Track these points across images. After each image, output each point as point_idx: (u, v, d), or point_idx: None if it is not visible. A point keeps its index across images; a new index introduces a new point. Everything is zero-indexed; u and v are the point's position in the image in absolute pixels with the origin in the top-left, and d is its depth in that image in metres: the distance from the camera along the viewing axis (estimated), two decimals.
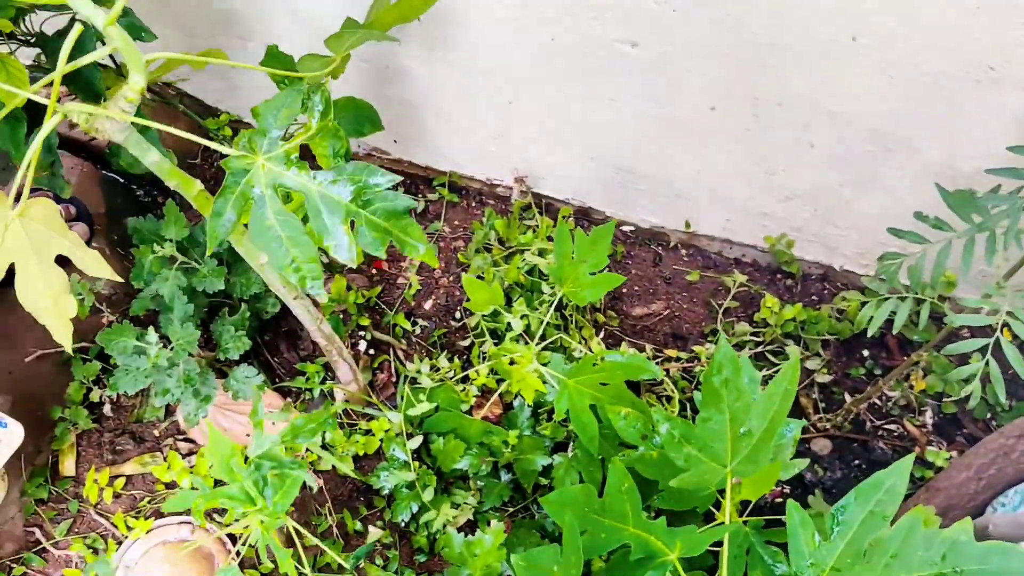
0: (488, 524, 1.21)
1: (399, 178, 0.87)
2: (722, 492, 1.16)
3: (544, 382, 1.28)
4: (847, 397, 1.52)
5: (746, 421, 0.95)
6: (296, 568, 0.96)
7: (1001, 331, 1.13)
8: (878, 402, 1.53)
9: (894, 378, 1.38)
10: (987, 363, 1.13)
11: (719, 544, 1.07)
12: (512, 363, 1.27)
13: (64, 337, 0.83)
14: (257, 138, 0.85)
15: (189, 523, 1.41)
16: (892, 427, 1.51)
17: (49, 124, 0.80)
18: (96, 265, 0.87)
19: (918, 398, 1.52)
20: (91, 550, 1.38)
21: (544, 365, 1.29)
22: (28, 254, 0.82)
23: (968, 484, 1.34)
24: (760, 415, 0.95)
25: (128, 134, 0.85)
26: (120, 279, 0.88)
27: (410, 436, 1.35)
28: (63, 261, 1.37)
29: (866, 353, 1.58)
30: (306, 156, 0.96)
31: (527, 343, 1.39)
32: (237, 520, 0.95)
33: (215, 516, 1.41)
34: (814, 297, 1.62)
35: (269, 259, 0.85)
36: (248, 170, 0.85)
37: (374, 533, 1.27)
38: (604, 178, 1.60)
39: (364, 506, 1.42)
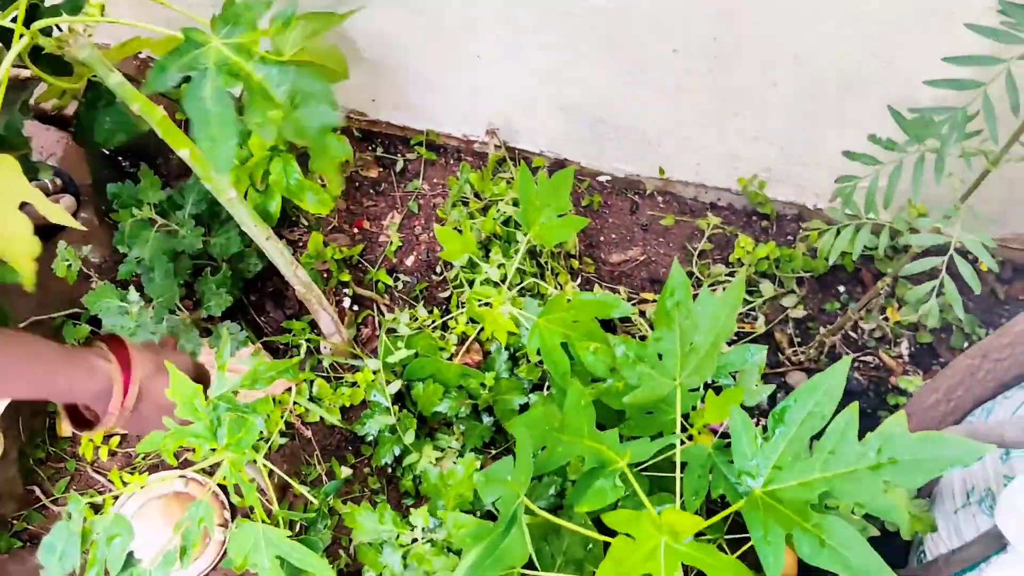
0: None
1: (339, 113, 0.91)
2: (686, 417, 1.20)
3: (518, 325, 1.31)
4: (823, 331, 1.54)
5: (693, 337, 0.98)
6: (261, 502, 1.00)
7: (954, 249, 1.15)
8: (854, 335, 1.55)
9: (863, 308, 1.40)
10: (941, 281, 1.15)
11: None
12: (486, 306, 1.30)
13: (28, 275, 0.87)
14: (219, 24, 0.89)
15: (183, 476, 1.46)
16: (868, 359, 1.53)
17: (17, 47, 0.84)
18: (59, 215, 0.91)
19: (894, 329, 1.54)
20: (89, 506, 1.43)
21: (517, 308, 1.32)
22: None
23: (938, 406, 1.36)
24: (706, 331, 0.98)
25: (90, 52, 0.89)
26: (90, 245, 0.92)
27: (389, 383, 1.39)
28: (52, 232, 1.42)
29: (841, 288, 1.60)
30: None
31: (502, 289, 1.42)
32: (205, 458, 0.99)
33: (206, 469, 1.46)
34: (789, 236, 1.64)
35: (194, 132, 0.88)
36: (203, 44, 0.89)
37: (345, 472, 1.31)
38: (576, 129, 1.63)
39: (352, 454, 1.46)
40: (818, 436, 0.84)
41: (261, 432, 0.97)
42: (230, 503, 1.45)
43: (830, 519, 0.80)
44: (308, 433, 1.47)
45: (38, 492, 1.46)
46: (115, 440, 1.49)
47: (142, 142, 1.28)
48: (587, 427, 0.98)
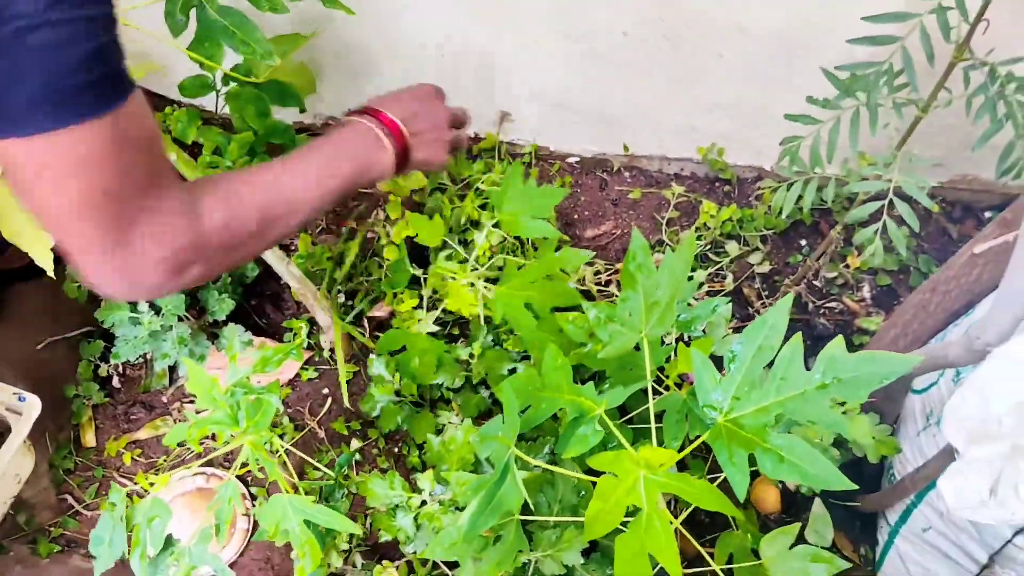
0: None
1: None
2: (663, 371, 1.30)
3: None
4: (787, 283, 1.65)
5: (655, 294, 1.08)
6: (285, 479, 1.11)
7: (893, 192, 1.25)
8: (817, 284, 1.65)
9: (820, 256, 1.51)
10: (883, 222, 1.26)
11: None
12: (451, 280, 1.40)
13: (46, 261, 0.97)
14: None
15: (204, 473, 1.56)
16: (832, 305, 1.64)
17: None
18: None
19: (854, 275, 1.65)
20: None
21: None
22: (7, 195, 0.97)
23: (897, 341, 1.46)
24: (665, 286, 1.08)
25: None
26: None
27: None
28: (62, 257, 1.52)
29: (803, 242, 1.70)
30: None
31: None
32: (227, 443, 1.09)
33: (224, 464, 1.56)
34: (751, 199, 1.75)
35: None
36: None
37: (355, 444, 1.41)
38: (545, 117, 1.73)
39: (360, 438, 1.56)
40: (769, 367, 0.95)
41: (277, 411, 1.07)
42: (250, 494, 1.55)
43: (787, 438, 0.90)
44: (315, 426, 1.57)
45: (70, 500, 1.56)
46: (137, 450, 1.59)
47: None
48: (566, 383, 1.07)
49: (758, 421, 0.92)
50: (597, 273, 1.68)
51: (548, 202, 1.42)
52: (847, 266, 1.64)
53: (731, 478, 0.92)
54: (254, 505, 1.55)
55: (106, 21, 0.73)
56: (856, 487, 0.89)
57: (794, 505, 1.48)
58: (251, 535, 1.52)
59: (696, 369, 0.98)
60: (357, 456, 1.52)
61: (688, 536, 1.11)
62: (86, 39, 0.71)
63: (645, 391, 1.15)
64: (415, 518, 1.21)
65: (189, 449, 1.56)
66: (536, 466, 1.04)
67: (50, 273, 0.99)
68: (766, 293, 1.65)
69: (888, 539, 1.39)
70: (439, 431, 1.45)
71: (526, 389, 1.12)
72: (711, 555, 1.11)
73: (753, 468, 1.35)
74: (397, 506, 1.22)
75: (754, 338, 0.96)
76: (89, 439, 1.61)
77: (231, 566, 1.48)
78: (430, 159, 1.15)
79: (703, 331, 1.35)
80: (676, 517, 1.16)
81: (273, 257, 1.35)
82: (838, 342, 0.96)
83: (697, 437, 1.14)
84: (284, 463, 1.12)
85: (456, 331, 1.64)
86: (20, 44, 0.67)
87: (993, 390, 1.02)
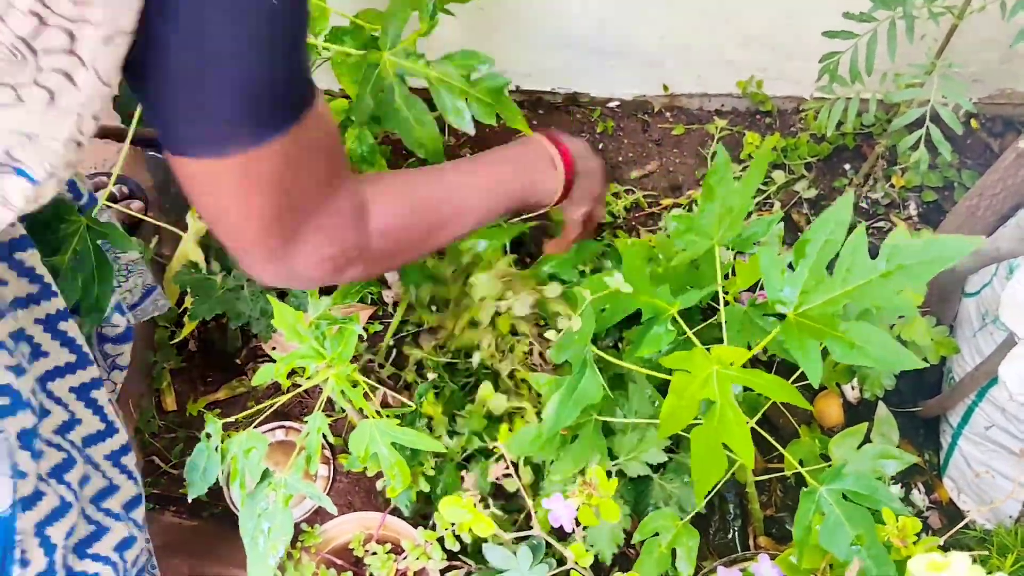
0: None
1: (494, 60, 1.11)
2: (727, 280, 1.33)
3: None
4: None
5: (728, 203, 1.12)
6: (371, 407, 1.16)
7: (933, 100, 1.28)
8: (864, 205, 1.68)
9: (866, 176, 1.54)
10: (927, 128, 1.29)
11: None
12: None
13: None
14: (381, 37, 1.11)
15: (283, 426, 1.62)
16: (880, 224, 1.66)
17: None
18: None
19: (900, 194, 1.68)
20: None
21: None
22: None
23: None
24: (738, 196, 1.11)
25: None
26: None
27: None
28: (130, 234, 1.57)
29: (847, 166, 1.73)
30: None
31: None
32: (310, 378, 1.15)
33: (304, 419, 1.62)
34: (792, 128, 1.78)
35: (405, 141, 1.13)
36: (377, 63, 1.11)
37: (431, 377, 1.46)
38: (582, 63, 1.77)
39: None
40: (834, 261, 0.99)
41: (359, 347, 1.13)
42: (329, 444, 1.60)
43: (855, 325, 0.94)
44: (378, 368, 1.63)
45: (157, 460, 1.63)
46: (216, 411, 1.66)
47: None
48: (643, 285, 1.11)
49: (827, 311, 0.96)
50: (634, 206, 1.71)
51: None
52: (892, 186, 1.67)
53: (805, 367, 0.96)
54: (334, 458, 1.61)
55: (302, 34, 0.73)
56: (924, 363, 0.93)
57: (856, 418, 1.51)
58: (331, 484, 1.58)
59: (764, 268, 1.02)
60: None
61: (771, 440, 1.14)
62: (284, 57, 0.73)
63: (712, 302, 1.18)
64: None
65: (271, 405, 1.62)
66: (610, 363, 1.08)
67: None
68: (814, 217, 1.68)
69: (951, 442, 1.43)
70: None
71: (601, 296, 1.16)
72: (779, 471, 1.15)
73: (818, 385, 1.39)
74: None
75: (819, 234, 0.99)
76: (170, 403, 1.68)
77: (315, 513, 1.55)
78: (584, 204, 1.21)
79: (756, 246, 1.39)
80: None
81: None
82: (901, 231, 1.00)
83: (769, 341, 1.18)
84: (367, 394, 1.17)
85: None
86: (222, 68, 0.68)
87: None
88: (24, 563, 0.89)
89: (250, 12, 0.66)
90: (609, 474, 1.16)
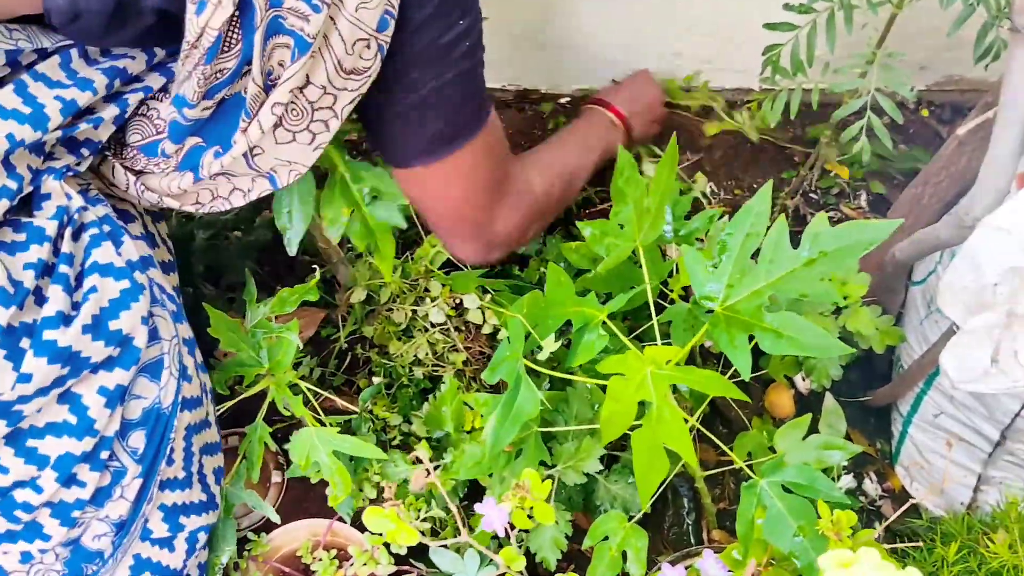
0: None
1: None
2: (666, 284, 1.33)
3: None
4: (782, 195, 1.68)
5: (644, 203, 1.12)
6: (311, 415, 1.15)
7: (873, 89, 1.28)
8: (814, 196, 1.68)
9: (811, 165, 1.54)
10: (867, 118, 1.28)
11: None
12: None
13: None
14: None
15: (236, 433, 1.60)
16: (831, 214, 1.66)
17: None
18: None
19: (850, 184, 1.68)
20: None
21: None
22: None
23: (895, 238, 1.49)
24: (653, 194, 1.11)
25: None
26: None
27: None
28: None
29: (796, 157, 1.73)
30: None
31: None
32: (250, 385, 1.14)
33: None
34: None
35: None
36: None
37: (376, 381, 1.45)
38: (529, 58, 1.76)
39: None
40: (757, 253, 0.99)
41: (298, 351, 1.12)
42: (284, 451, 1.59)
43: (782, 315, 0.94)
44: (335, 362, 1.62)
45: None
46: None
47: None
48: (569, 298, 1.11)
49: (753, 304, 0.96)
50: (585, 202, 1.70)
51: None
52: (840, 176, 1.67)
53: (734, 360, 0.96)
54: (288, 464, 1.59)
55: (481, 59, 1.00)
56: (852, 350, 0.93)
57: (808, 409, 1.51)
58: (284, 491, 1.56)
59: (689, 265, 1.02)
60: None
61: (712, 438, 1.14)
62: (472, 80, 1.00)
63: (661, 301, 1.18)
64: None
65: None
66: (545, 374, 1.08)
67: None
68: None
69: (902, 430, 1.43)
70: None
71: (532, 310, 1.16)
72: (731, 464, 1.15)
73: (764, 372, 1.39)
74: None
75: (741, 226, 0.99)
76: None
77: (268, 521, 1.53)
78: (646, 132, 1.59)
79: (702, 242, 1.38)
80: (693, 429, 1.19)
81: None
82: (820, 219, 1.00)
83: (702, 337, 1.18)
84: (309, 402, 1.16)
85: None
86: (432, 103, 0.96)
87: (984, 259, 1.05)
88: (170, 461, 1.04)
89: (452, 60, 0.94)
90: (552, 479, 1.16)
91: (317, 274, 1.15)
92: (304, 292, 1.15)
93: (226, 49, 0.83)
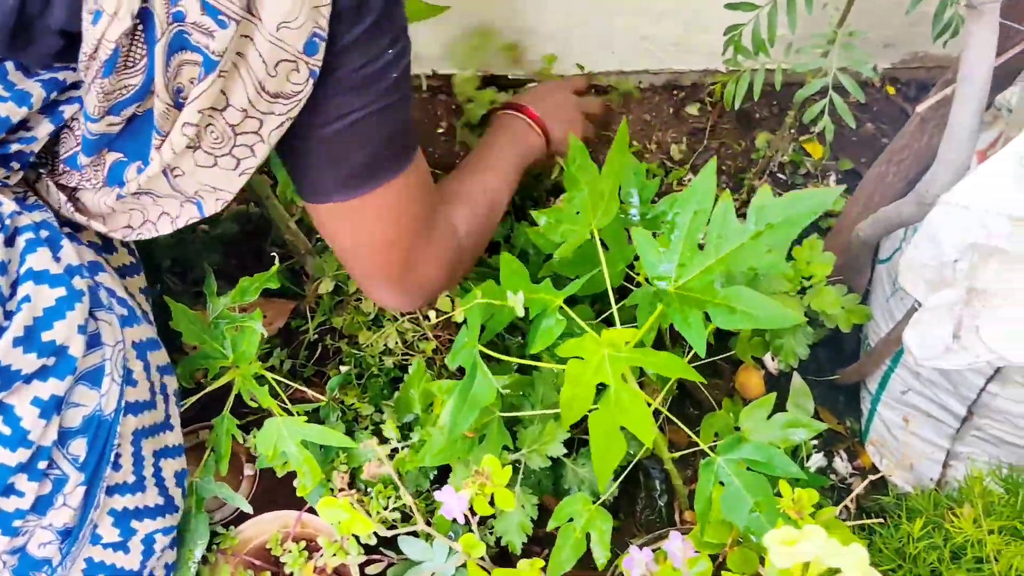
0: None
1: None
2: (632, 268, 1.33)
3: None
4: (750, 176, 1.68)
5: (598, 188, 1.12)
6: (278, 405, 1.15)
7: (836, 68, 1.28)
8: (782, 176, 1.68)
9: (777, 145, 1.54)
10: (829, 98, 1.28)
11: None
12: None
13: None
14: None
15: (208, 427, 1.60)
16: None
17: None
18: None
19: (817, 163, 1.68)
20: None
21: None
22: None
23: (861, 217, 1.49)
24: (606, 179, 1.11)
25: None
26: None
27: None
28: None
29: (757, 140, 1.73)
30: None
31: None
32: (216, 378, 1.14)
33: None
34: (707, 101, 1.78)
35: None
36: None
37: (344, 370, 1.45)
38: (499, 45, 1.75)
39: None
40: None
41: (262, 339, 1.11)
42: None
43: (733, 290, 0.94)
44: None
45: None
46: None
47: None
48: (524, 285, 1.11)
49: (704, 281, 0.97)
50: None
51: None
52: (808, 153, 1.67)
53: (689, 339, 0.96)
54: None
55: (409, 94, 0.94)
56: (804, 321, 0.94)
57: (778, 388, 1.52)
58: (257, 483, 1.56)
59: (640, 247, 1.02)
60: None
61: (676, 421, 1.14)
62: (399, 114, 0.94)
63: (616, 290, 1.18)
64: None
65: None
66: (504, 361, 1.08)
67: None
68: (732, 188, 1.69)
69: (871, 408, 1.44)
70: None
71: (486, 303, 1.16)
72: None
73: (732, 353, 1.39)
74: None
75: (688, 206, 1.00)
76: None
77: (242, 515, 1.52)
78: (564, 134, 1.45)
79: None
80: (661, 412, 1.19)
81: (282, 213, 1.39)
82: (764, 192, 1.00)
83: (662, 321, 1.18)
84: (277, 393, 1.16)
85: None
86: (348, 132, 0.90)
87: (944, 235, 1.05)
88: (117, 467, 1.02)
89: (378, 90, 0.89)
90: (516, 465, 1.16)
91: (277, 261, 1.14)
92: (265, 280, 1.14)
93: (130, 65, 0.80)
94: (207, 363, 1.13)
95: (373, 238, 1.00)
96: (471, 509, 0.89)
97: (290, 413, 1.14)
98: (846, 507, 1.37)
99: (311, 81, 0.82)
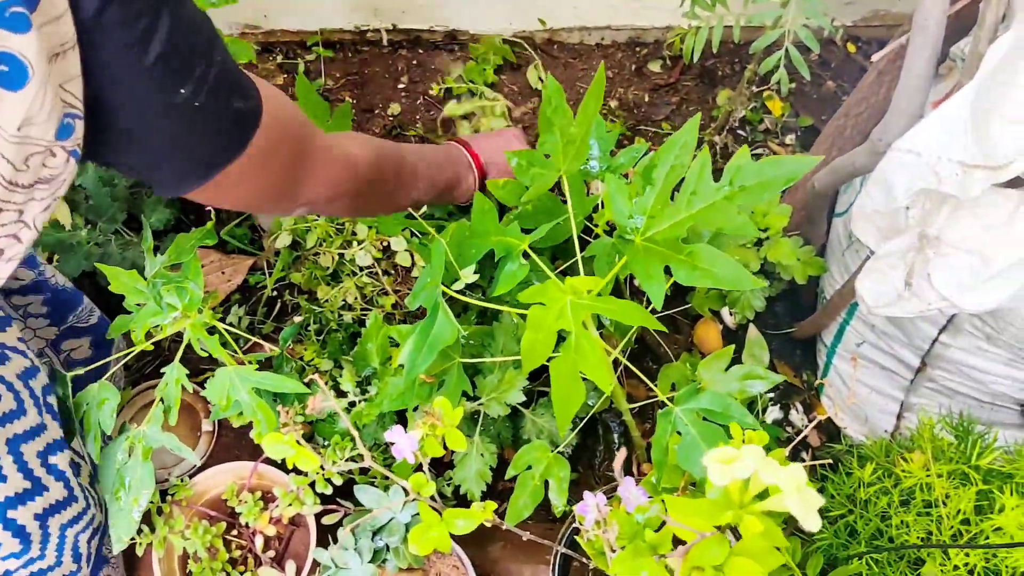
0: None
1: None
2: (591, 219, 1.33)
3: None
4: (710, 131, 1.68)
5: (569, 133, 1.11)
6: (229, 355, 1.14)
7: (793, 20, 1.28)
8: (743, 132, 1.69)
9: (738, 99, 1.54)
10: (786, 50, 1.28)
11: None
12: None
13: None
14: None
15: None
16: (759, 151, 1.67)
17: None
18: None
19: (778, 120, 1.69)
20: None
21: None
22: None
23: (820, 169, 1.50)
24: (578, 124, 1.10)
25: None
26: None
27: None
28: None
29: (718, 96, 1.73)
30: None
31: None
32: (161, 329, 1.12)
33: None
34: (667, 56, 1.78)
35: None
36: None
37: (298, 319, 1.44)
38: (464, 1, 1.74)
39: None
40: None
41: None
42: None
43: (698, 247, 0.94)
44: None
45: None
46: None
47: None
48: (492, 227, 1.11)
49: (672, 235, 0.97)
50: None
51: None
52: (768, 111, 1.68)
53: (648, 291, 0.96)
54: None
55: (224, 79, 0.82)
56: (765, 284, 0.94)
57: (736, 342, 1.52)
58: (216, 438, 1.55)
59: (611, 194, 1.02)
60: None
61: (637, 372, 1.14)
62: (213, 105, 0.82)
63: (578, 239, 1.18)
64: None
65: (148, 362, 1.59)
66: (475, 306, 1.08)
67: None
68: None
69: (827, 361, 1.45)
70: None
71: (456, 238, 1.15)
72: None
73: (689, 307, 1.40)
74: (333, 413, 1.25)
75: (666, 159, 0.99)
76: None
77: (200, 468, 1.52)
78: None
79: (626, 178, 1.38)
80: (620, 363, 1.19)
81: None
82: (743, 152, 1.00)
83: (623, 269, 1.18)
84: (227, 343, 1.15)
85: None
86: (183, 117, 0.80)
87: (895, 182, 1.05)
88: (3, 478, 1.04)
89: (173, 106, 0.78)
90: (475, 417, 1.16)
91: (214, 215, 1.13)
92: (201, 237, 1.12)
93: None
94: (155, 318, 1.11)
95: (250, 197, 0.95)
96: (423, 453, 0.89)
97: (243, 364, 1.12)
98: (801, 458, 1.39)
99: (72, 160, 0.76)
